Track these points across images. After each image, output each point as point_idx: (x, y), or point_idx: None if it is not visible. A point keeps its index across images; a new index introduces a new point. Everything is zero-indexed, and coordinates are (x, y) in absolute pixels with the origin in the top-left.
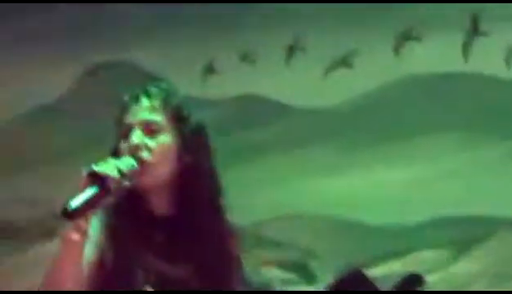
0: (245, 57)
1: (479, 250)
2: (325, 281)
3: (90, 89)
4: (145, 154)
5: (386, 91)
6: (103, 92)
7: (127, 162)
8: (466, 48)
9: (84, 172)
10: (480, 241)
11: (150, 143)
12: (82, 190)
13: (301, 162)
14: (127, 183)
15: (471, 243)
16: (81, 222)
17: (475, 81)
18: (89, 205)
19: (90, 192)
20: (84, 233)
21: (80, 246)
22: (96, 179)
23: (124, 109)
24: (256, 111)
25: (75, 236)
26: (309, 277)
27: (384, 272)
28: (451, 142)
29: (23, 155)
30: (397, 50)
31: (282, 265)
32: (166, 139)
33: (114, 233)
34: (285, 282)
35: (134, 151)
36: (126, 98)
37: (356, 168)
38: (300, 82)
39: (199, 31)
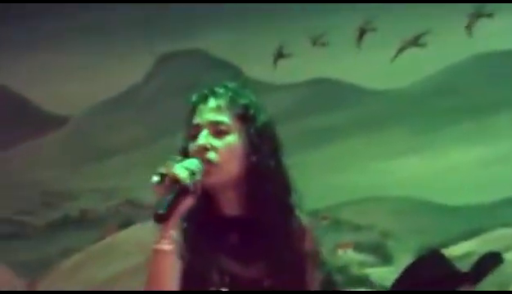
0: (316, 41)
1: None
2: (402, 262)
3: (162, 78)
4: (211, 155)
5: (459, 70)
6: (175, 81)
7: (194, 164)
8: None
9: (156, 178)
10: None
11: (217, 143)
12: (162, 195)
13: (377, 144)
14: (199, 184)
15: None
16: (169, 231)
17: None
18: (175, 208)
19: (172, 196)
20: (174, 242)
21: (173, 254)
22: (174, 183)
23: (192, 109)
24: (329, 94)
25: (167, 246)
26: (386, 258)
27: (462, 251)
28: None
29: (96, 146)
30: (469, 28)
31: (359, 247)
32: (233, 139)
33: (188, 235)
34: (362, 264)
35: (201, 152)
36: (194, 99)
37: (432, 149)
38: (372, 64)
39: (269, 17)
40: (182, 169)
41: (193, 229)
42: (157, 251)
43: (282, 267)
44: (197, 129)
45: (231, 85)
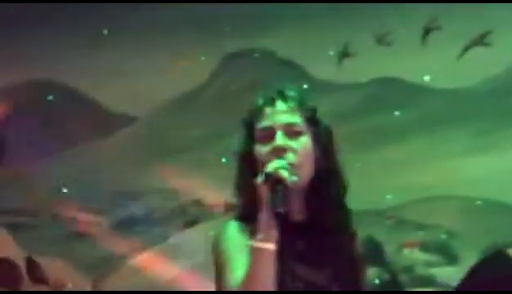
0: (381, 40)
1: None
2: (468, 262)
3: (227, 77)
4: (290, 156)
5: None
6: (240, 80)
7: (281, 164)
8: None
9: (261, 182)
10: None
11: (294, 145)
12: (265, 196)
13: (442, 143)
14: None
15: None
16: (272, 231)
17: None
18: (284, 205)
19: (281, 194)
20: (275, 242)
21: (273, 254)
22: (277, 182)
23: (256, 112)
24: (393, 93)
25: (270, 245)
26: (452, 258)
27: None
28: None
29: (162, 146)
30: None
31: (425, 247)
32: (306, 140)
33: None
34: (427, 263)
35: (280, 153)
36: (260, 102)
37: (498, 148)
38: (437, 63)
39: (333, 14)
40: (284, 169)
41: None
42: (262, 251)
43: (345, 271)
44: (269, 132)
45: (297, 88)
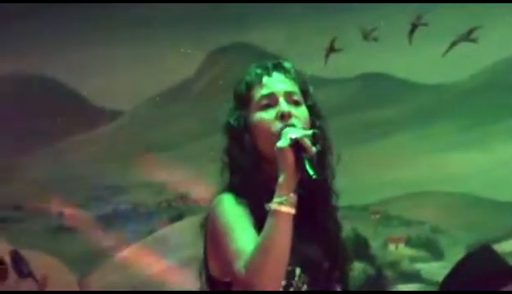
0: (368, 35)
1: None
2: (453, 257)
3: (213, 73)
4: (295, 122)
5: (510, 66)
6: (226, 75)
7: (305, 132)
8: None
9: (286, 146)
10: None
11: (296, 112)
12: (292, 163)
13: (427, 138)
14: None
15: None
16: (294, 195)
17: None
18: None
19: (309, 159)
20: (295, 206)
21: (291, 219)
22: (297, 147)
23: (253, 82)
24: (379, 89)
25: (291, 210)
26: (437, 253)
27: None
28: None
29: (148, 140)
30: None
31: (410, 243)
32: (305, 110)
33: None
34: (413, 259)
35: (287, 118)
36: (258, 71)
37: (483, 144)
38: (423, 59)
39: (320, 10)
40: (307, 137)
41: (259, 200)
42: (283, 214)
43: (336, 252)
44: (271, 98)
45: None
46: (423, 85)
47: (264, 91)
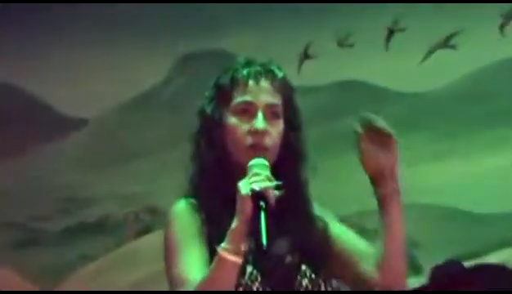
0: (343, 42)
1: None
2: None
3: (184, 79)
4: (268, 142)
5: (490, 74)
6: (198, 82)
7: (262, 164)
8: None
9: (246, 195)
10: None
11: (271, 129)
12: (249, 212)
13: (403, 149)
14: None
15: None
16: (242, 245)
17: None
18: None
19: (264, 216)
20: (243, 256)
21: (237, 268)
22: (257, 197)
23: (237, 81)
24: (354, 97)
25: (238, 259)
26: (415, 269)
27: (498, 260)
28: None
29: (117, 149)
30: (502, 29)
31: None
32: (281, 125)
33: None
34: None
35: (259, 137)
36: (244, 72)
37: (460, 155)
38: (400, 66)
39: (294, 16)
40: (265, 178)
41: (217, 203)
42: (228, 262)
43: (305, 247)
44: (249, 108)
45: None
46: (400, 93)
47: (246, 98)
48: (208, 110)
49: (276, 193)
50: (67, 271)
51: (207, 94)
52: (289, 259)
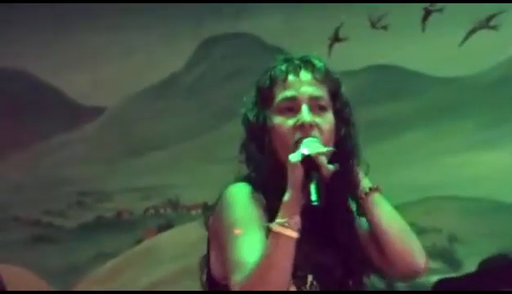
0: (376, 23)
1: None
2: (472, 268)
3: (206, 64)
4: (316, 134)
5: None
6: (221, 67)
7: (321, 149)
8: None
9: (296, 161)
10: None
11: (319, 121)
12: (299, 179)
13: (444, 137)
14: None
15: None
16: (297, 217)
17: None
18: (319, 191)
19: (316, 183)
20: (299, 230)
21: (293, 243)
22: (309, 164)
23: (277, 78)
24: (389, 83)
25: (293, 233)
26: (455, 264)
27: None
28: None
29: (136, 140)
30: None
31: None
32: (331, 118)
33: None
34: (430, 271)
35: (307, 130)
36: (283, 68)
37: (505, 144)
38: (438, 49)
39: None
40: (323, 154)
41: (277, 194)
42: (284, 237)
43: (350, 260)
44: (293, 103)
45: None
46: (438, 78)
47: (287, 93)
48: (251, 117)
49: (331, 167)
50: (83, 269)
51: (247, 99)
52: (338, 273)
